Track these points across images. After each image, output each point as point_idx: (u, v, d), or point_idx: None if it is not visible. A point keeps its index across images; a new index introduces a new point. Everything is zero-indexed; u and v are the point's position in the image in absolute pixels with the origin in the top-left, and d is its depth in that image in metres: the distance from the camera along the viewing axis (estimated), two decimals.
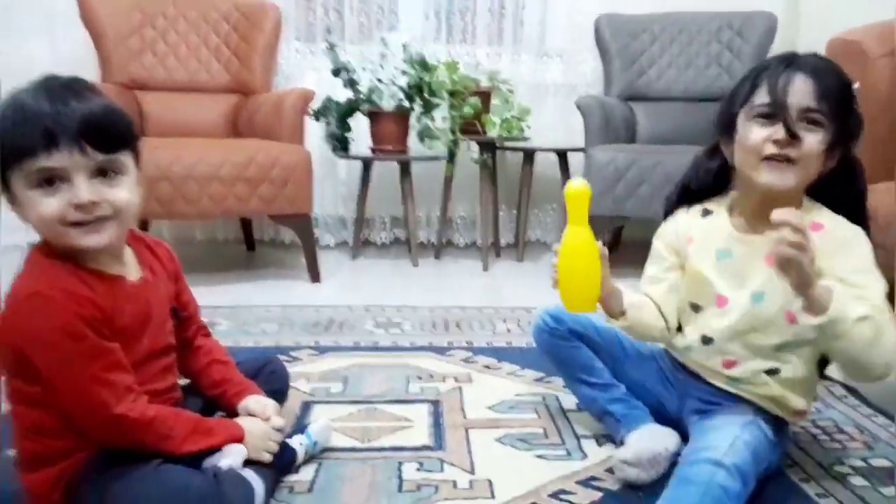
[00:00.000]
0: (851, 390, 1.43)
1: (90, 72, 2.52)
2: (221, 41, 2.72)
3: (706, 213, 1.10)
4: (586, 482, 1.05)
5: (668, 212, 1.15)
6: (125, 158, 0.85)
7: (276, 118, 2.40)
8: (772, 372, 1.02)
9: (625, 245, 2.86)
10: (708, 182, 1.10)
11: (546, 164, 2.96)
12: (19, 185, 0.80)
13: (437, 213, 2.92)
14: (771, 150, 0.94)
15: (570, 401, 1.32)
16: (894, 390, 1.46)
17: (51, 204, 0.80)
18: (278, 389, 1.19)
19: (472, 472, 1.09)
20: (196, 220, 2.83)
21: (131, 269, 0.93)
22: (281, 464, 1.04)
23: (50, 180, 0.80)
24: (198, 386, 1.08)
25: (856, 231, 0.98)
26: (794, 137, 0.92)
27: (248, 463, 0.96)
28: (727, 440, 0.95)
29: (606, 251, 1.01)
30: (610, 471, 1.08)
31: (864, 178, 1.01)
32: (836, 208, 1.00)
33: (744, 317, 1.02)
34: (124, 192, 0.85)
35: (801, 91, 0.93)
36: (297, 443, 1.09)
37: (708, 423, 1.02)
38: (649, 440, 1.07)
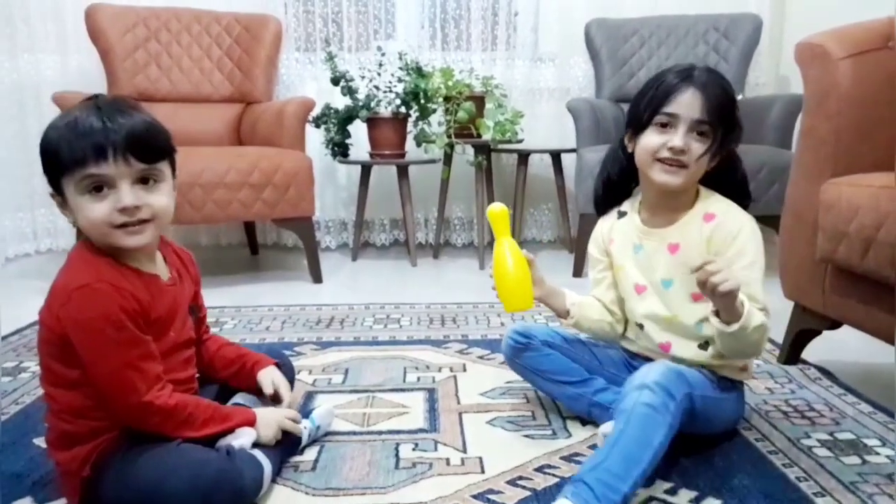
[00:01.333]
0: (825, 372, 1.51)
1: (98, 85, 2.62)
2: (224, 53, 2.81)
3: (621, 214, 1.25)
4: (570, 458, 1.13)
5: (597, 203, 1.28)
6: (163, 167, 0.96)
7: (277, 126, 2.49)
8: (704, 345, 1.15)
9: None
10: (623, 172, 1.23)
11: (540, 165, 3.04)
12: (71, 191, 0.91)
13: (435, 214, 3.01)
14: (665, 154, 1.09)
15: None
16: (865, 371, 1.54)
17: (99, 208, 0.91)
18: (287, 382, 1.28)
19: (464, 450, 1.17)
20: (201, 224, 2.92)
21: (162, 269, 1.03)
22: (286, 446, 1.12)
23: (98, 187, 0.91)
24: (212, 370, 1.17)
25: (743, 222, 1.12)
26: (683, 151, 1.08)
27: (255, 445, 1.05)
28: (654, 368, 1.04)
29: (532, 256, 1.20)
30: (593, 447, 1.16)
31: (743, 167, 1.17)
32: (725, 190, 1.16)
33: (659, 301, 1.17)
34: (163, 198, 0.96)
35: (693, 105, 1.08)
36: (302, 427, 1.17)
37: None
38: None
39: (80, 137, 0.89)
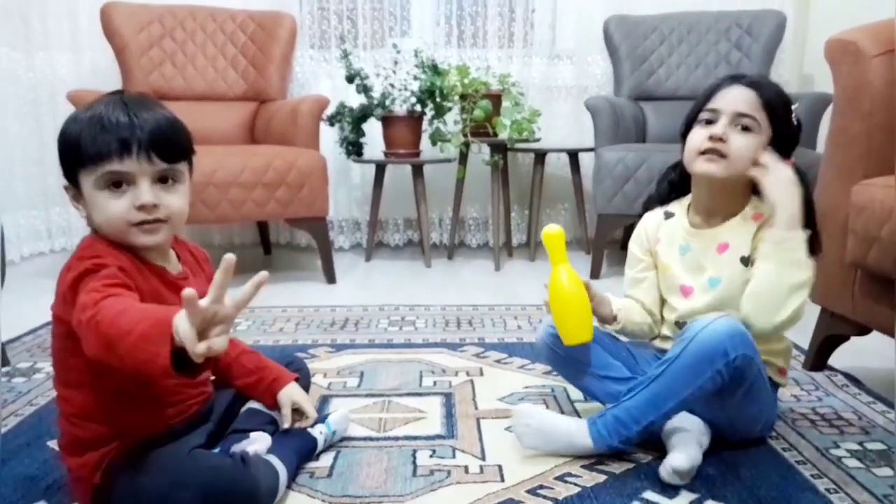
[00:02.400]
0: (852, 379, 1.47)
1: (113, 83, 2.61)
2: (238, 51, 2.80)
3: (668, 215, 1.23)
4: (591, 466, 1.10)
5: (650, 199, 1.28)
6: (183, 168, 0.95)
7: (292, 124, 2.48)
8: None
9: None
10: (670, 188, 1.25)
11: (557, 164, 3.01)
12: (88, 185, 0.89)
13: (450, 214, 2.98)
14: (706, 144, 1.10)
15: (577, 391, 1.36)
16: (893, 378, 1.49)
17: (117, 205, 0.89)
18: (302, 386, 1.26)
19: (482, 458, 1.14)
20: (215, 223, 2.91)
21: (174, 265, 1.01)
22: (302, 452, 1.10)
23: (118, 183, 0.89)
24: (228, 377, 1.13)
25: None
26: (722, 140, 1.08)
27: (272, 451, 1.02)
28: (723, 321, 1.03)
29: (589, 280, 1.18)
30: (615, 456, 1.13)
31: (806, 179, 1.11)
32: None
33: (706, 300, 1.15)
34: (180, 199, 0.94)
35: (736, 99, 1.09)
36: (318, 432, 1.15)
37: None
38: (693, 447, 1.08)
39: (105, 131, 0.87)
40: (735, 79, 1.12)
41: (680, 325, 1.18)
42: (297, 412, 1.12)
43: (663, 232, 1.22)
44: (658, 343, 1.26)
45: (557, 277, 1.12)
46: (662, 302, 1.24)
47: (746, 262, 1.11)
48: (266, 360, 1.17)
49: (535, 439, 1.13)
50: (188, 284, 1.00)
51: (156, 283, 0.95)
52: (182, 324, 0.72)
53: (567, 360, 1.23)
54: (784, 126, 1.11)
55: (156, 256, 0.97)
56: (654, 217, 1.25)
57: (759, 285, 1.06)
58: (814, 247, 1.09)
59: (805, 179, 1.10)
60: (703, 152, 1.10)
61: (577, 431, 1.11)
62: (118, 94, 0.93)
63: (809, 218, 1.09)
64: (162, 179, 0.92)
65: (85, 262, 0.86)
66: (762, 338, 1.07)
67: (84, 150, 0.87)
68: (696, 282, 1.17)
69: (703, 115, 1.12)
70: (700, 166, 1.11)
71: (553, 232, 1.13)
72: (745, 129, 1.08)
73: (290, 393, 1.12)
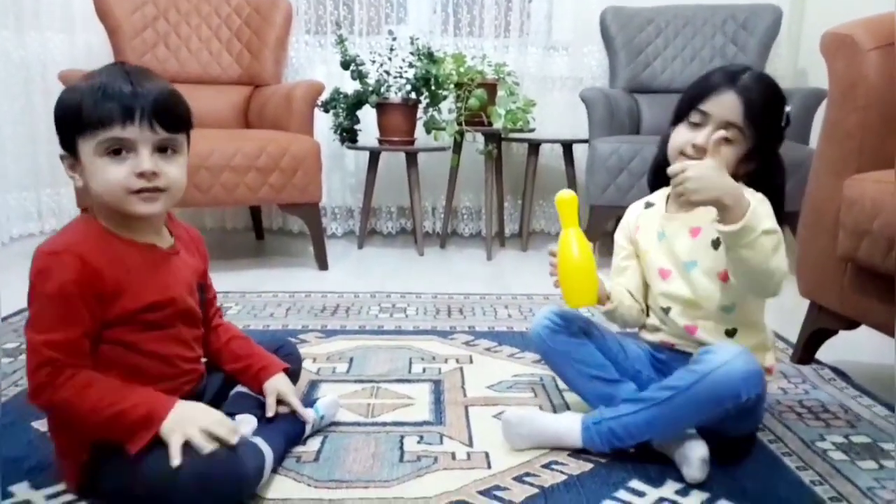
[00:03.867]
0: (839, 373, 1.48)
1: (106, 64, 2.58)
2: (233, 34, 2.78)
3: (648, 205, 1.24)
4: (578, 455, 1.10)
5: (650, 183, 1.27)
6: (182, 139, 0.96)
7: (286, 109, 2.46)
8: (730, 333, 1.13)
9: None
10: (655, 181, 1.24)
11: (551, 155, 3.00)
12: (88, 152, 0.89)
13: (443, 203, 2.97)
14: (689, 151, 1.09)
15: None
16: (880, 372, 1.50)
17: (118, 171, 0.89)
18: (292, 371, 1.25)
19: (469, 444, 1.14)
20: (207, 207, 2.89)
21: (165, 240, 1.01)
22: (290, 436, 1.10)
23: (118, 150, 0.89)
24: (218, 361, 1.13)
25: (760, 197, 1.08)
26: (704, 150, 1.05)
27: (257, 433, 1.02)
28: (743, 358, 1.01)
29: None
30: None
31: (784, 174, 1.13)
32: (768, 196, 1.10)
33: (684, 283, 1.15)
34: (179, 170, 0.95)
35: (729, 107, 1.06)
36: (307, 416, 1.14)
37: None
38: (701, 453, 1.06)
39: (108, 98, 0.87)
40: (732, 78, 1.08)
41: (666, 310, 1.17)
42: (283, 403, 1.11)
43: (643, 220, 1.23)
44: (647, 336, 1.24)
45: (567, 239, 1.10)
46: (646, 290, 1.23)
47: (717, 245, 1.10)
48: (256, 346, 1.16)
49: (526, 443, 1.13)
50: (180, 259, 1.02)
51: (145, 258, 0.95)
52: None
53: (559, 352, 1.21)
54: (770, 131, 1.09)
55: (146, 231, 0.97)
56: (636, 207, 1.27)
57: (741, 274, 1.04)
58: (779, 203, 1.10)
59: (783, 166, 1.12)
60: (683, 154, 1.10)
61: (568, 434, 1.11)
62: (120, 64, 0.93)
63: (779, 198, 1.10)
64: (161, 149, 0.92)
65: (45, 285, 0.88)
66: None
67: (86, 116, 0.88)
68: (673, 264, 1.17)
69: (693, 117, 1.10)
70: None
71: (566, 197, 1.10)
72: (728, 140, 1.06)
73: (276, 384, 1.11)
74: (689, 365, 1.04)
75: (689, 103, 1.11)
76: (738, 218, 0.96)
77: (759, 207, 0.99)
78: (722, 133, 1.04)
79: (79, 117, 0.88)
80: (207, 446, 0.88)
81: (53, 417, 0.96)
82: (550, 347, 1.21)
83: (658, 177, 1.22)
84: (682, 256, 1.15)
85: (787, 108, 1.10)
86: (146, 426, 0.88)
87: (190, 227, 1.11)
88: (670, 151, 1.13)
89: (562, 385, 1.38)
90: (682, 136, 1.11)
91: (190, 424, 0.89)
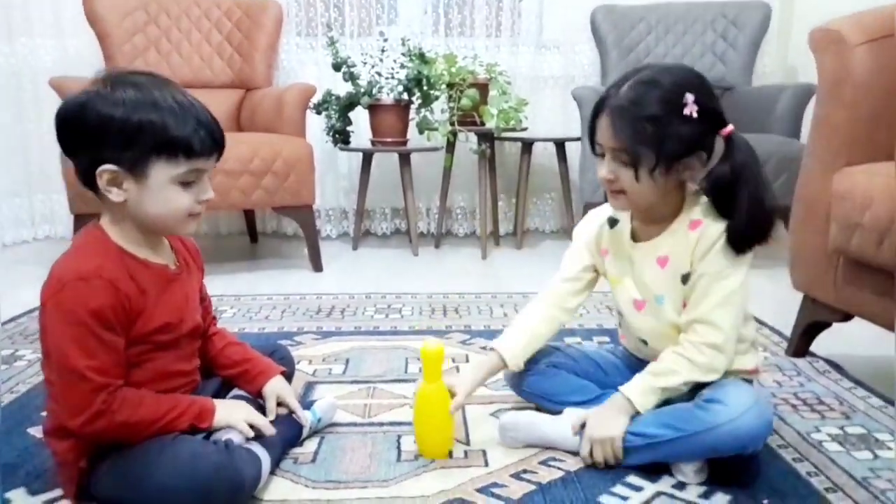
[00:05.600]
0: (834, 365, 1.49)
1: (96, 70, 2.58)
2: (224, 38, 2.77)
3: (613, 222, 1.14)
4: (576, 451, 1.11)
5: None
6: None
7: (277, 113, 2.46)
8: None
9: None
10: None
11: (544, 154, 3.01)
12: (164, 176, 0.90)
13: (437, 203, 2.98)
14: (604, 186, 1.05)
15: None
16: (875, 364, 1.51)
17: (186, 198, 0.93)
18: (287, 374, 1.25)
19: (467, 443, 1.14)
20: None
21: (169, 257, 1.02)
22: (287, 438, 1.10)
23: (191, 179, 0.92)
24: (215, 367, 1.13)
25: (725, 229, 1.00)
26: (611, 181, 1.02)
27: (255, 439, 1.02)
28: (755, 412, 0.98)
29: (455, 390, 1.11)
30: None
31: (743, 153, 1.00)
32: (712, 190, 1.02)
33: (656, 317, 1.09)
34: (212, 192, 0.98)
35: (605, 133, 1.00)
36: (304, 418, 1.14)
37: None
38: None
39: (200, 126, 0.90)
40: (604, 99, 1.00)
41: (643, 342, 1.13)
42: (282, 405, 1.11)
43: (609, 243, 1.14)
44: (627, 345, 1.22)
45: (424, 395, 1.08)
46: (620, 315, 1.17)
47: (686, 279, 1.04)
48: (252, 352, 1.16)
49: (522, 445, 1.13)
50: (184, 279, 1.03)
51: (156, 279, 0.96)
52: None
53: (530, 394, 1.22)
54: (663, 139, 0.97)
55: (158, 249, 0.99)
56: (598, 219, 1.17)
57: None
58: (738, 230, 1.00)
59: (744, 146, 1.00)
60: (606, 190, 1.05)
61: (564, 442, 1.10)
62: (166, 82, 0.93)
63: (759, 210, 0.99)
64: None
65: (80, 312, 0.86)
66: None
67: (179, 141, 0.89)
68: (646, 296, 1.10)
69: (597, 149, 1.04)
70: (612, 203, 1.06)
71: (431, 350, 1.06)
72: (623, 161, 0.99)
73: (275, 387, 1.11)
74: (697, 402, 1.01)
75: (591, 128, 1.04)
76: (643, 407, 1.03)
77: (634, 400, 1.03)
78: (607, 176, 1.01)
79: (166, 140, 0.88)
80: (250, 432, 0.99)
81: (52, 423, 0.95)
82: (522, 391, 1.24)
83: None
84: (651, 288, 1.08)
85: (689, 99, 0.96)
86: (202, 420, 0.97)
87: (187, 237, 1.10)
88: (602, 186, 1.08)
89: None
90: (599, 171, 1.05)
91: (235, 414, 0.99)
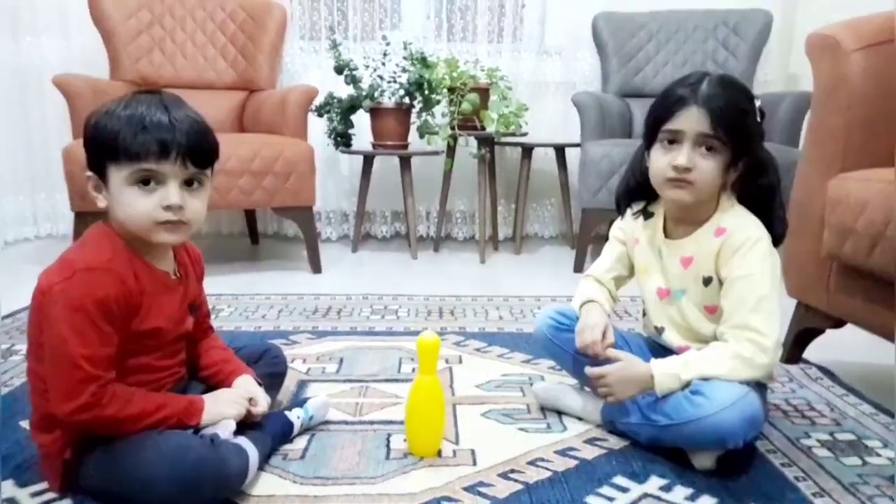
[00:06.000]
0: (826, 372, 1.49)
1: (100, 70, 2.60)
2: (228, 40, 2.79)
3: (648, 215, 1.21)
4: (564, 452, 1.11)
5: (618, 204, 1.25)
6: (208, 173, 0.97)
7: (280, 114, 2.47)
8: None
9: None
10: (643, 181, 1.18)
11: (544, 159, 3.02)
12: (118, 180, 0.91)
13: (437, 207, 2.98)
14: (671, 174, 1.07)
15: (554, 381, 1.37)
16: (867, 371, 1.51)
17: (146, 202, 0.91)
18: (279, 373, 1.26)
19: (456, 442, 1.15)
20: None
21: (170, 264, 1.03)
22: (277, 434, 1.11)
23: (146, 181, 0.91)
24: (196, 367, 1.13)
25: (751, 236, 1.07)
26: (689, 169, 1.05)
27: (242, 433, 1.03)
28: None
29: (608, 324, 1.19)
30: (589, 441, 1.15)
31: (775, 173, 1.11)
32: (753, 198, 1.11)
33: (676, 310, 1.15)
34: (202, 204, 0.97)
35: (698, 120, 1.04)
36: (295, 416, 1.15)
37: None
38: None
39: (145, 131, 0.90)
40: (693, 90, 1.04)
41: (660, 329, 1.19)
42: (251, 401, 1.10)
43: (642, 234, 1.21)
44: (644, 332, 1.28)
45: (419, 388, 1.08)
46: (644, 302, 1.24)
47: (707, 282, 1.10)
48: (233, 357, 1.16)
49: (552, 409, 1.26)
50: (183, 288, 1.04)
51: (158, 286, 0.98)
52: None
53: (564, 349, 1.25)
54: (749, 132, 1.06)
55: (160, 255, 1.00)
56: (634, 214, 1.23)
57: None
58: (777, 232, 1.10)
59: (775, 164, 1.11)
60: (669, 179, 1.07)
61: (589, 415, 1.22)
62: (157, 94, 0.94)
63: (771, 199, 1.10)
64: (188, 182, 0.94)
65: (86, 300, 0.87)
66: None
67: (122, 146, 0.89)
68: (669, 286, 1.17)
69: (664, 135, 1.07)
70: (669, 194, 1.09)
71: (428, 341, 1.06)
72: (710, 149, 1.04)
73: (243, 382, 1.11)
74: (685, 393, 1.04)
75: (656, 125, 1.08)
76: (666, 389, 1.05)
77: (670, 377, 1.05)
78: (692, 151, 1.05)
79: (114, 146, 0.89)
80: (242, 412, 1.02)
81: (38, 416, 0.96)
82: (555, 345, 1.26)
83: (630, 198, 1.22)
84: (673, 282, 1.16)
85: (758, 103, 1.07)
86: (190, 417, 0.98)
87: (191, 245, 1.12)
88: (654, 177, 1.11)
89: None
90: (660, 160, 1.08)
91: (225, 409, 1.01)
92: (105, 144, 0.90)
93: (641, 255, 1.21)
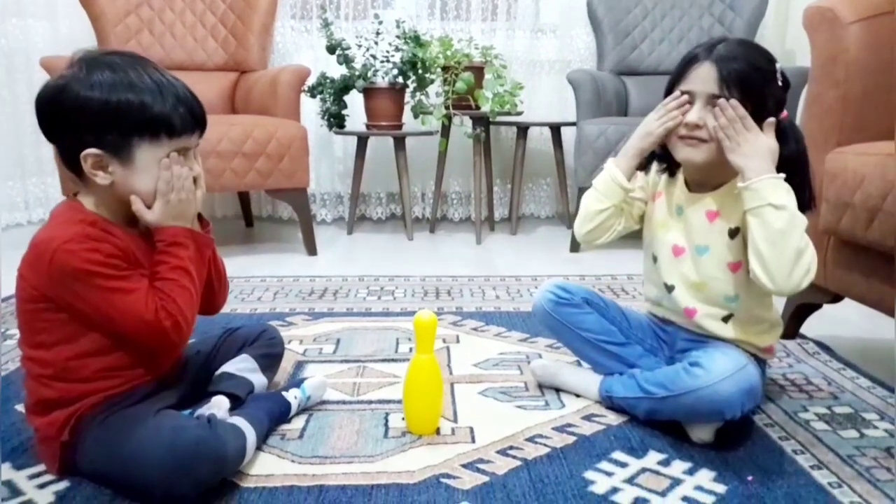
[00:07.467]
0: (823, 346, 1.49)
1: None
2: (218, 20, 2.75)
3: (672, 172, 1.18)
4: (562, 428, 1.11)
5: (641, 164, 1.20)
6: None
7: (271, 95, 2.45)
8: (727, 318, 1.11)
9: None
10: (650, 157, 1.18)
11: (540, 139, 3.00)
12: (149, 155, 0.91)
13: (432, 188, 2.97)
14: (682, 131, 1.06)
15: (552, 358, 1.37)
16: (864, 345, 1.52)
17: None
18: (276, 354, 1.25)
19: (454, 420, 1.15)
20: None
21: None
22: (275, 415, 1.10)
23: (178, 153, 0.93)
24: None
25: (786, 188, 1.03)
26: (698, 126, 1.04)
27: (237, 412, 1.02)
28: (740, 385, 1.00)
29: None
30: (587, 417, 1.15)
31: (799, 143, 1.07)
32: (781, 165, 1.05)
33: (693, 266, 1.12)
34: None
35: (707, 79, 1.03)
36: (292, 396, 1.15)
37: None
38: None
39: (181, 104, 0.91)
40: (709, 49, 1.04)
41: (670, 288, 1.15)
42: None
43: (664, 187, 1.18)
44: (650, 308, 1.25)
45: (417, 366, 1.09)
46: (654, 259, 1.19)
47: (734, 234, 1.07)
48: None
49: (549, 385, 1.28)
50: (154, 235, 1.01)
51: (139, 244, 0.97)
52: None
53: (564, 324, 1.24)
54: (764, 94, 1.03)
55: (135, 220, 0.98)
56: (658, 169, 1.19)
57: (763, 258, 0.99)
58: (806, 201, 1.04)
59: (797, 133, 1.07)
60: (681, 137, 1.07)
61: (587, 390, 1.23)
62: (140, 58, 0.93)
63: (801, 173, 1.05)
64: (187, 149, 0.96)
65: (96, 257, 0.87)
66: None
67: (160, 120, 0.89)
68: (687, 244, 1.13)
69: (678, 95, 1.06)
70: (681, 153, 1.08)
71: (425, 319, 1.06)
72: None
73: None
74: (684, 364, 1.05)
75: (672, 85, 1.09)
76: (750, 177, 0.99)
77: (774, 184, 0.98)
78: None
79: (144, 119, 0.88)
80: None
81: (32, 400, 0.95)
82: (555, 319, 1.24)
83: (650, 159, 1.18)
84: (696, 238, 1.12)
85: (779, 66, 1.04)
86: (209, 246, 1.06)
87: None
88: (669, 136, 1.09)
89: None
90: (665, 120, 1.07)
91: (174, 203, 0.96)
92: (126, 117, 0.88)
93: (660, 209, 1.18)
